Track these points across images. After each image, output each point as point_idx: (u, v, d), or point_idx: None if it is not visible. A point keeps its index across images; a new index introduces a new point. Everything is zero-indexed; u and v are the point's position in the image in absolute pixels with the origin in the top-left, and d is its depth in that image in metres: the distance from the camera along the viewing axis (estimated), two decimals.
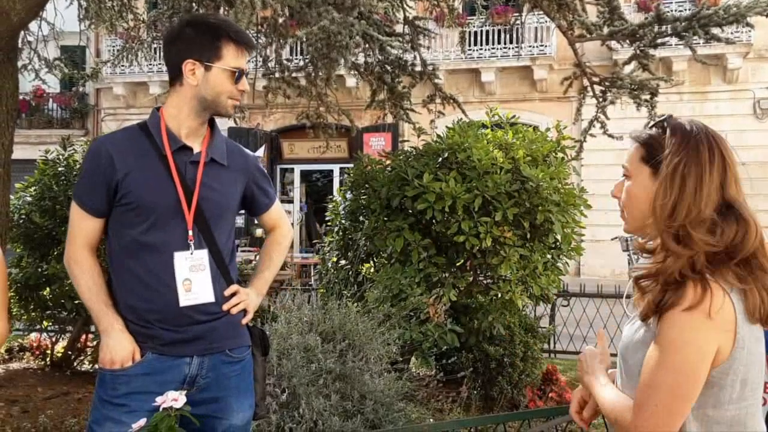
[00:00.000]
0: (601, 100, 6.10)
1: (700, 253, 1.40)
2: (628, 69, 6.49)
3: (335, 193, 6.43)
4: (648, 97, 5.70)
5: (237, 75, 2.05)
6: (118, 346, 1.98)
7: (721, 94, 15.16)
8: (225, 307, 2.09)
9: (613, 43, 6.69)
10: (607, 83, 5.99)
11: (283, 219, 2.40)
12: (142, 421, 1.75)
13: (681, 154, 1.45)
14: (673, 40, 5.82)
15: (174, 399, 1.75)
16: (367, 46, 5.72)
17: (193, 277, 2.02)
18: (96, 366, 4.95)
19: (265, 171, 2.38)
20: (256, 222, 16.10)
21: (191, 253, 2.02)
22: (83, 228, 2.08)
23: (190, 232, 2.02)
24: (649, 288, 1.45)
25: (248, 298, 2.16)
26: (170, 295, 2.00)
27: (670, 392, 1.39)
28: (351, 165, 6.20)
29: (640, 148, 1.56)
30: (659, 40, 5.46)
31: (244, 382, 2.15)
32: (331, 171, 17.41)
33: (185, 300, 2.01)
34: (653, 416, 1.40)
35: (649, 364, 1.42)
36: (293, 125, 15.42)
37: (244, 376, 2.15)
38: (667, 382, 1.39)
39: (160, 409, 1.75)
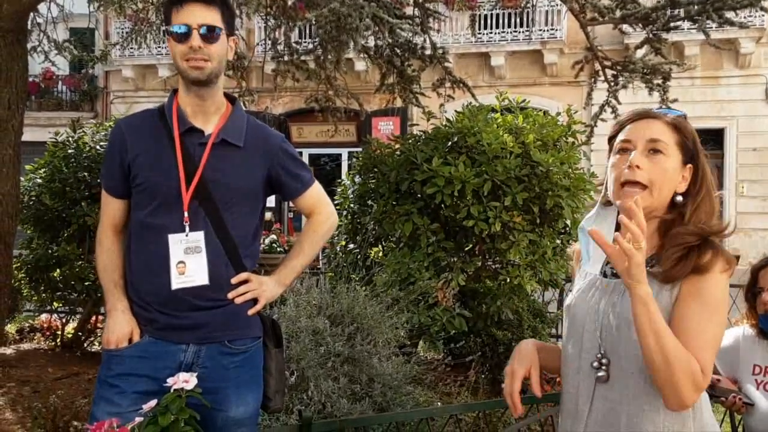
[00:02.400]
0: (612, 84, 6.05)
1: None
2: (640, 53, 6.43)
3: (344, 176, 6.42)
4: (660, 81, 5.64)
5: (177, 34, 1.96)
6: (116, 327, 1.98)
7: (733, 79, 14.99)
8: (230, 295, 2.02)
9: (626, 27, 6.63)
10: (619, 67, 5.93)
11: (322, 205, 2.25)
12: (152, 403, 1.75)
13: (706, 160, 1.63)
14: (686, 24, 5.76)
15: (185, 380, 1.75)
16: (377, 29, 5.68)
17: (187, 260, 1.97)
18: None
19: (296, 154, 2.23)
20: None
21: (186, 235, 1.98)
22: (107, 209, 2.10)
23: (186, 214, 1.98)
24: (676, 254, 1.52)
25: (260, 287, 2.07)
26: (165, 277, 1.98)
27: (717, 347, 1.51)
28: (359, 149, 6.19)
29: (675, 131, 1.60)
30: (672, 24, 5.39)
31: (246, 374, 2.06)
32: (340, 155, 17.36)
33: (178, 283, 1.97)
34: (711, 373, 1.48)
35: (699, 323, 1.47)
36: (302, 109, 15.37)
37: (246, 368, 2.06)
38: (717, 339, 1.50)
39: (171, 391, 1.75)
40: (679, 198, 1.58)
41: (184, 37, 1.95)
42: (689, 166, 1.60)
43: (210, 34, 1.96)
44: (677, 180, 1.59)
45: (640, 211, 1.42)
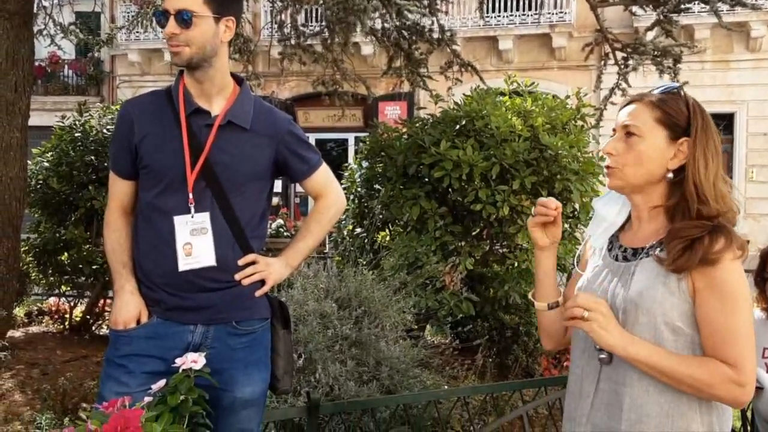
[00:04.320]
0: (622, 66, 6.00)
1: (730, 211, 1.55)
2: (650, 36, 6.37)
3: (350, 161, 6.41)
4: (671, 63, 5.59)
5: (159, 20, 1.96)
6: (124, 307, 1.99)
7: (744, 63, 14.85)
8: (238, 276, 2.02)
9: (636, 9, 6.56)
10: (629, 49, 5.88)
11: (330, 187, 2.24)
12: (162, 383, 1.75)
13: (709, 132, 1.57)
14: (696, 7, 5.70)
15: (193, 361, 1.75)
16: (384, 10, 5.64)
17: (194, 241, 1.97)
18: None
19: (304, 136, 2.20)
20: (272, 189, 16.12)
21: (191, 217, 1.98)
22: (115, 190, 2.10)
23: (191, 195, 1.97)
24: (678, 246, 1.50)
25: (268, 269, 2.06)
26: (172, 258, 1.98)
27: (751, 336, 1.48)
28: (366, 134, 6.16)
29: (655, 109, 1.59)
30: (683, 5, 5.33)
31: (253, 355, 2.06)
32: (346, 140, 17.34)
33: (184, 264, 1.97)
34: (753, 362, 1.47)
35: (723, 319, 1.46)
36: (308, 93, 15.35)
37: (253, 349, 2.06)
38: (747, 328, 1.47)
39: (180, 371, 1.75)
40: (670, 175, 1.57)
41: (164, 23, 1.94)
42: (684, 139, 1.56)
43: (184, 19, 1.92)
44: (660, 158, 1.57)
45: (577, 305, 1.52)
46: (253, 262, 2.05)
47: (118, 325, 1.98)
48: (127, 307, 1.98)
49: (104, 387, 1.97)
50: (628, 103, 1.66)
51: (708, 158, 1.55)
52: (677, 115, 1.57)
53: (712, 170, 1.54)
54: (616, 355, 1.51)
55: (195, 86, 2.04)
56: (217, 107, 2.04)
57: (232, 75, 2.12)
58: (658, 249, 1.55)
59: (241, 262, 2.03)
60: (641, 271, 1.56)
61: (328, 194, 2.24)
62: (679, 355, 1.49)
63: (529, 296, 1.86)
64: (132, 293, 2.00)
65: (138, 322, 1.99)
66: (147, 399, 1.70)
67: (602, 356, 1.58)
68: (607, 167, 1.63)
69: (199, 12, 1.93)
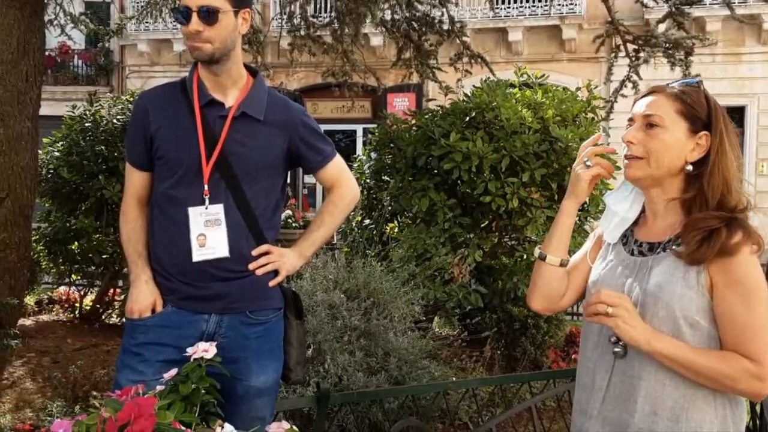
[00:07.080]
0: (633, 59, 5.96)
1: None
2: (661, 28, 6.32)
3: (359, 152, 6.40)
4: (682, 56, 5.55)
5: (179, 17, 1.95)
6: (140, 297, 2.01)
7: (755, 56, 14.73)
8: (252, 266, 2.04)
9: (647, 1, 6.51)
10: (640, 41, 5.83)
11: (343, 178, 2.24)
12: (173, 371, 1.76)
13: (730, 126, 1.58)
14: None
15: (205, 350, 1.76)
16: (394, 2, 5.62)
17: (208, 232, 1.99)
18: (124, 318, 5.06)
19: (317, 127, 2.21)
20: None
21: (206, 208, 1.99)
22: (131, 181, 2.12)
23: (206, 187, 1.99)
24: (697, 237, 1.50)
25: (281, 259, 2.08)
26: (187, 249, 2.00)
27: None
28: (374, 125, 6.15)
29: (677, 101, 1.59)
30: None
31: (266, 344, 2.08)
32: (355, 131, 17.33)
33: (198, 255, 1.99)
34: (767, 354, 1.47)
35: (744, 314, 1.46)
36: (317, 84, 15.32)
37: (267, 339, 2.08)
38: (767, 322, 1.47)
39: (191, 360, 1.76)
40: (689, 167, 1.57)
41: (185, 20, 1.94)
42: (704, 133, 1.57)
43: (209, 17, 1.93)
44: (681, 150, 1.57)
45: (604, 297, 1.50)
46: (266, 253, 2.07)
47: (134, 314, 2.01)
48: (142, 296, 2.01)
49: (120, 375, 1.99)
50: (646, 94, 1.64)
51: (736, 152, 1.57)
52: (699, 109, 1.57)
53: (737, 164, 1.57)
54: (640, 349, 1.50)
55: (210, 78, 2.04)
56: (231, 99, 2.05)
57: (246, 66, 2.13)
58: (675, 244, 1.55)
59: (254, 252, 2.05)
60: (659, 266, 1.56)
61: (342, 185, 2.24)
62: (701, 349, 1.49)
63: (537, 249, 1.82)
64: (147, 282, 2.02)
65: (153, 311, 2.01)
66: (159, 387, 1.72)
67: (617, 350, 1.58)
68: (627, 157, 1.61)
69: (222, 8, 1.94)
